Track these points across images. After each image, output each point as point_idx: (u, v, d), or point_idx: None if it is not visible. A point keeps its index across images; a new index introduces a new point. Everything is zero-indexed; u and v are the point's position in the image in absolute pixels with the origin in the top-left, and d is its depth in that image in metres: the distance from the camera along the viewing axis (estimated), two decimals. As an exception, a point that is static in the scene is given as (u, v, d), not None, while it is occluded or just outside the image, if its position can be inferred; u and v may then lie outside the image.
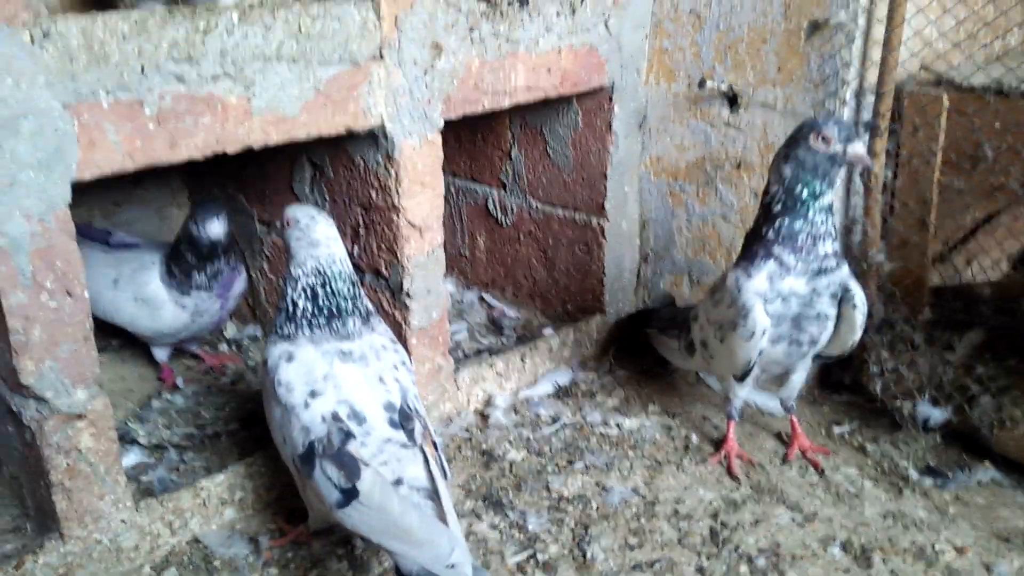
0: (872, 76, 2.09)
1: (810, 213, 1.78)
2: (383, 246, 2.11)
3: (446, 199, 2.99)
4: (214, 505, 1.89)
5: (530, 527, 1.88)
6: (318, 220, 1.72)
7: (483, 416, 2.30)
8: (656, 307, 2.56)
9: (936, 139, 2.08)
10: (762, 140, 2.31)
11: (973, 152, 2.05)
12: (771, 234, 1.80)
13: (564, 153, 2.63)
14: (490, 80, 2.12)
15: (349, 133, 1.91)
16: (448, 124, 2.06)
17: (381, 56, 1.88)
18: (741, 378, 1.97)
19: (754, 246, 1.83)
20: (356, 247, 2.20)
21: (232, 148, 1.72)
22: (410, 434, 1.58)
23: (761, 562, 1.78)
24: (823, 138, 1.74)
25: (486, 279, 3.05)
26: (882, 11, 2.05)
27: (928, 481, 2.02)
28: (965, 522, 1.90)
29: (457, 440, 2.20)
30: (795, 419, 2.12)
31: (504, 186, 2.85)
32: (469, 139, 2.92)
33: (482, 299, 3.02)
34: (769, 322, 1.81)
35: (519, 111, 2.69)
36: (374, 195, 2.08)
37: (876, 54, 2.07)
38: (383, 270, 2.14)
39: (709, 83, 2.30)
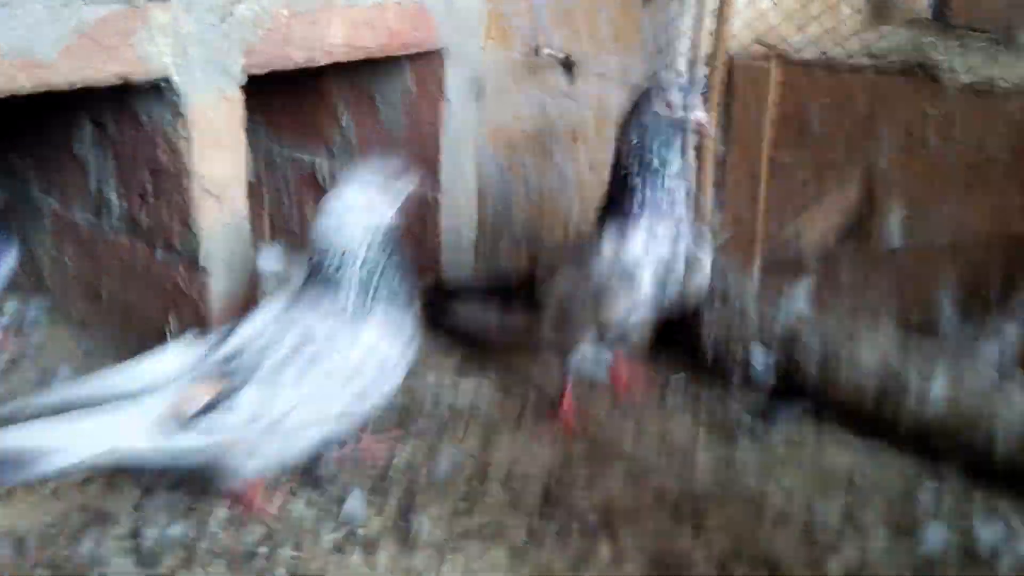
0: (706, 47, 2.03)
1: (664, 181, 1.78)
2: (174, 215, 1.86)
3: (271, 168, 2.77)
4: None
5: (351, 502, 1.71)
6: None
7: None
8: (462, 284, 2.42)
9: (765, 113, 2.05)
10: (598, 111, 2.22)
11: (803, 127, 2.03)
12: (636, 207, 1.79)
13: (397, 120, 2.45)
14: (302, 33, 1.91)
15: (125, 84, 1.65)
16: (271, 86, 1.84)
17: (165, -3, 1.63)
18: (601, 339, 1.95)
19: (620, 218, 1.81)
20: (145, 215, 1.94)
21: (-35, 93, 1.43)
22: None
23: (593, 520, 1.70)
24: (667, 103, 1.73)
25: (318, 255, 2.82)
26: (716, -21, 1.99)
27: (760, 426, 2.01)
28: (794, 464, 1.90)
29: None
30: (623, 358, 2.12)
31: (334, 154, 2.64)
32: (296, 104, 2.67)
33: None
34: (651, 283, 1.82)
35: (349, 74, 2.48)
36: (163, 157, 1.83)
37: (710, 24, 2.01)
38: (175, 241, 1.89)
39: (545, 51, 2.18)
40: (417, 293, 1.77)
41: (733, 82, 2.09)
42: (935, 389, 1.84)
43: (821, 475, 1.86)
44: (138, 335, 2.13)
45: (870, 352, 1.95)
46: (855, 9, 2.17)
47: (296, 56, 1.93)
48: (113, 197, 2.04)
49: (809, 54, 2.02)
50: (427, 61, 2.32)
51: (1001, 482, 1.82)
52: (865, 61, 1.92)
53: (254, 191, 2.83)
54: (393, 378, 1.67)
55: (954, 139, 1.82)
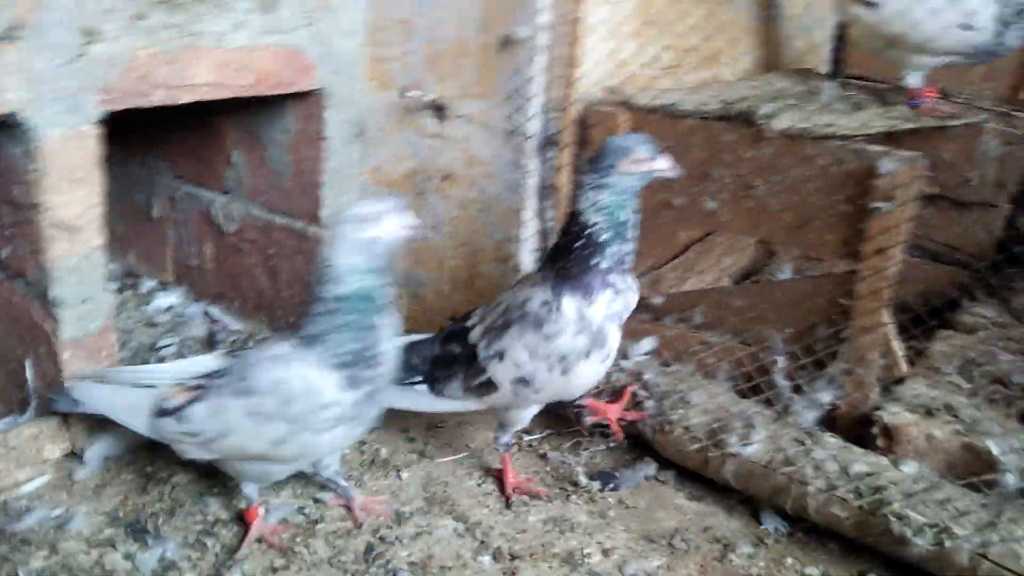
0: (557, 92, 2.12)
1: (629, 233, 1.76)
2: (28, 248, 1.91)
3: (173, 206, 2.83)
4: None
5: (168, 554, 1.74)
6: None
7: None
8: None
9: (617, 157, 2.12)
10: (465, 152, 2.30)
11: (649, 170, 2.10)
12: (604, 263, 1.74)
13: (282, 159, 2.53)
14: (164, 73, 1.99)
15: (-29, 119, 1.71)
16: (167, 121, 1.89)
17: (15, 37, 1.70)
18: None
19: (584, 276, 1.74)
20: (5, 248, 1.99)
21: None
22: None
23: (406, 575, 1.72)
24: (635, 160, 1.71)
25: (215, 291, 2.87)
26: (565, 30, 2.08)
27: (596, 485, 2.04)
28: (622, 524, 1.94)
29: (120, 463, 2.02)
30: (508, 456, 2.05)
31: (228, 192, 2.70)
32: (194, 143, 2.75)
33: (207, 313, 2.84)
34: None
35: (239, 115, 2.57)
36: (16, 191, 1.89)
37: (560, 71, 2.10)
38: (29, 275, 1.94)
39: (411, 93, 2.27)
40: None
41: (588, 126, 2.17)
42: (749, 449, 1.89)
43: (645, 535, 1.90)
44: (5, 374, 2.16)
45: (701, 413, 1.99)
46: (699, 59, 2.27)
47: (157, 95, 2.00)
48: (-19, 229, 2.08)
49: (656, 103, 2.11)
50: (307, 102, 2.41)
51: (816, 539, 1.87)
52: (701, 109, 2.01)
53: (158, 229, 2.91)
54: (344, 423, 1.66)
55: (774, 183, 1.90)
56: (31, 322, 2.00)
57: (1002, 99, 2.67)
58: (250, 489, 1.80)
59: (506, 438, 1.98)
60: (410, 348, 1.94)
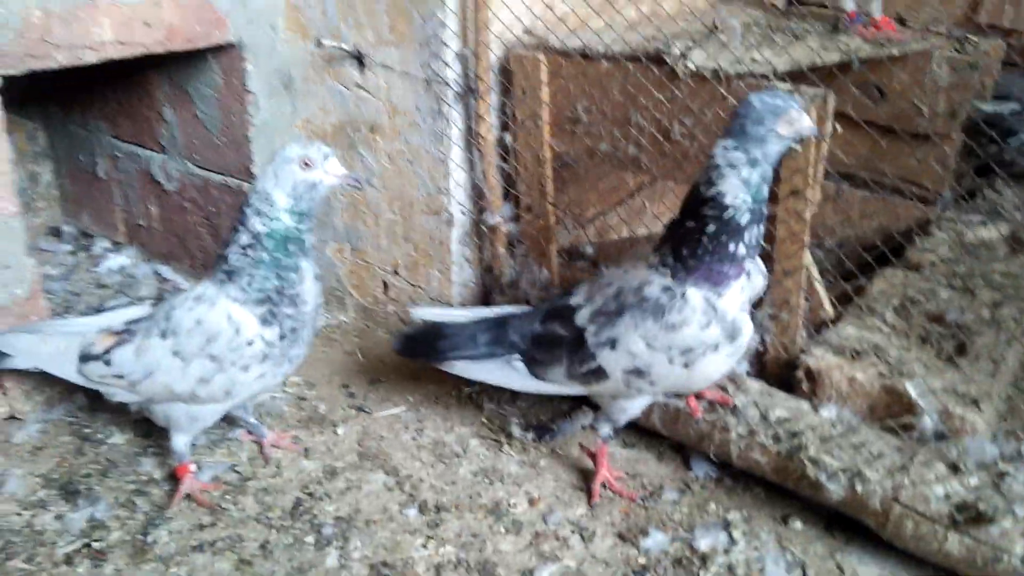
0: (472, 38, 2.04)
1: (764, 212, 1.54)
2: (-61, 218, 1.89)
3: (116, 166, 2.80)
4: None
5: (98, 514, 1.77)
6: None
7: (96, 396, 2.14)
8: (439, 331, 1.93)
9: (540, 102, 2.06)
10: (387, 102, 2.24)
11: (572, 115, 2.04)
12: (741, 249, 1.53)
13: (211, 115, 2.48)
14: (63, 33, 1.93)
15: None
16: (101, 81, 1.82)
17: None
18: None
19: (718, 265, 1.55)
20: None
21: None
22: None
23: (329, 530, 1.75)
24: (790, 121, 1.45)
25: (163, 250, 2.86)
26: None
27: (531, 436, 2.04)
28: (551, 474, 1.94)
29: (59, 425, 2.04)
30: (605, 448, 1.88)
31: (165, 150, 2.67)
32: (128, 100, 2.70)
33: (156, 273, 2.83)
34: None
35: (168, 71, 2.51)
36: (-79, 161, 1.85)
37: (473, 16, 2.02)
38: (-56, 245, 1.93)
39: (327, 43, 2.20)
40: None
41: (510, 72, 2.10)
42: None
43: (573, 484, 1.91)
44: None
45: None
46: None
47: (59, 56, 1.95)
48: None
49: (572, 44, 2.02)
50: (228, 55, 2.34)
51: (742, 484, 1.88)
52: (617, 50, 1.93)
53: (105, 189, 2.89)
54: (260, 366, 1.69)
55: (690, 126, 1.83)
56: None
57: (958, 23, 2.55)
58: (180, 444, 1.82)
59: (607, 430, 1.82)
60: (506, 322, 1.83)
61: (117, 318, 1.85)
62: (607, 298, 1.70)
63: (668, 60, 1.81)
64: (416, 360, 2.04)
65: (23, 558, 1.65)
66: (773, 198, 1.79)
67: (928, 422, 1.70)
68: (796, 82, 1.77)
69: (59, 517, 1.77)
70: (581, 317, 1.74)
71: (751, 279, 1.61)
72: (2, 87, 1.87)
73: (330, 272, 2.59)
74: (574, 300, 1.78)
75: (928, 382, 1.75)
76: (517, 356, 1.81)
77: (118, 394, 1.80)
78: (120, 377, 1.74)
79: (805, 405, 1.82)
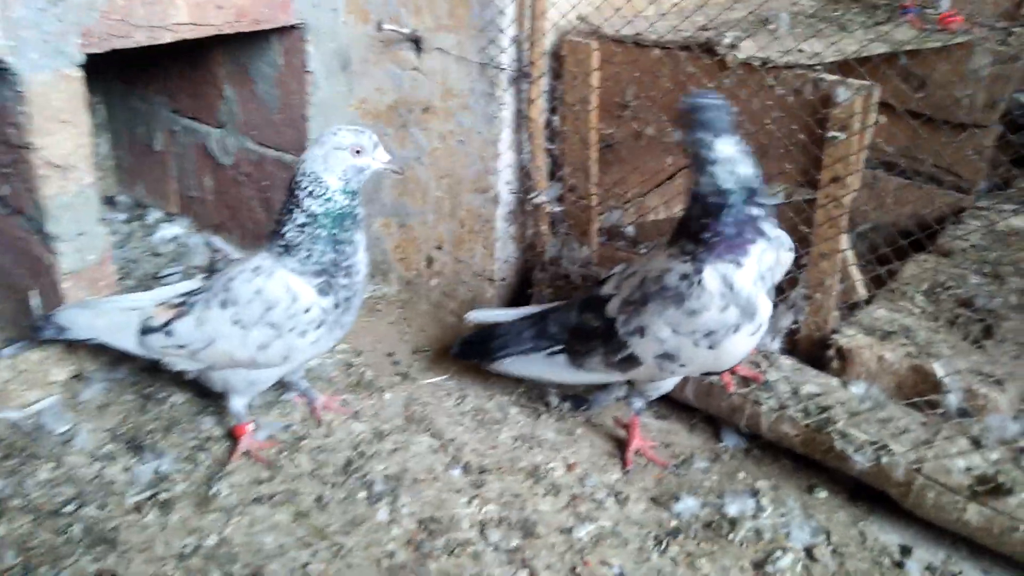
0: (527, 24, 2.13)
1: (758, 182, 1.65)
2: (24, 186, 2.03)
3: (174, 140, 2.93)
4: None
5: (163, 467, 1.90)
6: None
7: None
8: (491, 331, 2.06)
9: (590, 86, 2.15)
10: (443, 84, 2.34)
11: (620, 100, 2.13)
12: (756, 209, 1.62)
13: (271, 93, 2.59)
14: (143, 13, 2.05)
15: (-41, 66, 1.80)
16: (165, 57, 1.92)
17: (-7, -15, 1.78)
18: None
19: (735, 228, 1.61)
20: (7, 187, 2.11)
21: None
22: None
23: (379, 487, 1.87)
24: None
25: (216, 221, 2.99)
26: (533, -42, 2.08)
27: (567, 406, 2.15)
28: (587, 441, 2.05)
29: (123, 384, 2.18)
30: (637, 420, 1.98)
31: (223, 125, 2.79)
32: (189, 77, 2.82)
33: (208, 243, 2.97)
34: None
35: (230, 50, 2.62)
36: (11, 133, 1.99)
37: (529, 2, 2.11)
38: (29, 211, 2.07)
39: (387, 26, 2.30)
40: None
41: (562, 58, 2.19)
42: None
43: (608, 451, 2.01)
44: (15, 304, 2.31)
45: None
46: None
47: (138, 36, 2.06)
48: (-14, 169, 2.21)
49: (626, 32, 2.11)
50: (290, 36, 2.45)
51: (770, 455, 1.97)
52: (668, 39, 2.01)
53: (160, 162, 3.02)
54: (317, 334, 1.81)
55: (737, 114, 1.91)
56: (33, 255, 2.14)
57: (1004, 16, 2.59)
58: (239, 405, 1.95)
59: (640, 403, 1.94)
60: (547, 316, 1.95)
61: (172, 292, 1.95)
62: (633, 288, 1.79)
63: (718, 50, 1.89)
64: (473, 361, 2.13)
65: (95, 505, 1.78)
66: (814, 183, 1.88)
67: (953, 400, 1.78)
68: (842, 72, 1.84)
69: (127, 469, 1.90)
70: (611, 307, 1.84)
71: (776, 250, 1.66)
72: (84, 64, 1.99)
73: (376, 246, 2.70)
74: (605, 290, 1.88)
75: (954, 362, 1.83)
76: (558, 348, 1.92)
77: (178, 363, 1.90)
78: (182, 347, 1.85)
79: (835, 382, 1.91)
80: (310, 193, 1.74)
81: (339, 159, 1.72)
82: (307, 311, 1.77)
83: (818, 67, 1.86)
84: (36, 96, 1.92)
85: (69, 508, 1.77)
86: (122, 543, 1.69)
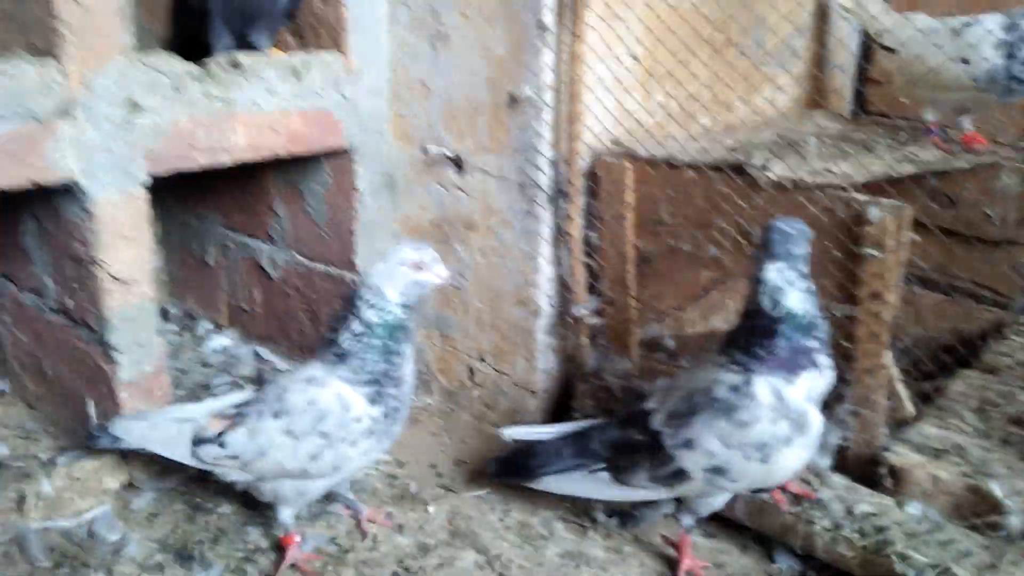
0: (565, 145, 2.23)
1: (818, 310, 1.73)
2: (89, 299, 2.12)
3: (225, 254, 3.06)
4: None
5: (208, 581, 1.88)
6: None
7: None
8: (529, 449, 2.06)
9: (625, 204, 2.22)
10: (483, 202, 2.43)
11: (656, 217, 2.19)
12: (812, 341, 1.67)
13: (320, 210, 2.71)
14: (204, 138, 2.19)
15: (37, 187, 1.93)
16: (218, 177, 2.05)
17: (69, 113, 1.93)
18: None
19: (790, 353, 1.67)
20: (70, 299, 2.21)
21: None
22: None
23: (426, 606, 1.82)
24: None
25: (264, 333, 3.07)
26: (566, 89, 2.20)
27: (614, 522, 2.11)
28: (636, 560, 2.00)
29: (172, 494, 2.19)
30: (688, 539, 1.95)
31: (273, 241, 2.91)
32: (242, 195, 2.97)
33: (256, 353, 3.03)
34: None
35: (282, 170, 2.77)
36: (78, 248, 2.10)
37: (566, 126, 2.22)
38: (91, 323, 2.15)
39: (431, 148, 2.42)
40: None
41: (597, 176, 2.28)
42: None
43: (659, 572, 1.97)
44: (72, 411, 2.38)
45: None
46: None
47: (199, 158, 2.20)
48: (49, 282, 2.32)
49: (654, 153, 2.20)
50: (340, 158, 2.59)
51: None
52: (698, 160, 2.09)
53: (212, 275, 3.14)
54: (365, 445, 1.84)
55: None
56: (93, 365, 2.20)
57: (1024, 135, 2.66)
58: (286, 516, 1.95)
59: (689, 520, 1.90)
60: (587, 433, 1.96)
61: (223, 403, 1.99)
62: (679, 400, 1.80)
63: (750, 170, 1.96)
64: (511, 481, 2.12)
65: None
66: (854, 300, 1.89)
67: (1015, 521, 1.72)
68: (872, 192, 1.89)
69: (173, 581, 1.89)
70: (656, 421, 1.83)
71: (822, 373, 1.70)
72: (149, 185, 2.12)
73: (418, 357, 2.74)
74: (648, 405, 1.88)
75: (1013, 483, 1.77)
76: (601, 465, 1.90)
77: (230, 474, 1.92)
78: (234, 458, 1.87)
79: (889, 501, 1.85)
80: (370, 304, 1.80)
81: (401, 273, 1.80)
82: (358, 420, 1.80)
83: (848, 188, 1.91)
84: (104, 214, 2.04)
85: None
86: (170, 659, 1.65)
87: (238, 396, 2.02)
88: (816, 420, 1.67)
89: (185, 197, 3.19)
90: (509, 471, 2.08)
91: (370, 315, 1.80)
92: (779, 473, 1.70)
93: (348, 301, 1.86)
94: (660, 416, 1.82)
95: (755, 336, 1.68)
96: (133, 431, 1.98)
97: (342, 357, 1.82)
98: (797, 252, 1.69)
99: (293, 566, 1.92)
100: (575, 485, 1.95)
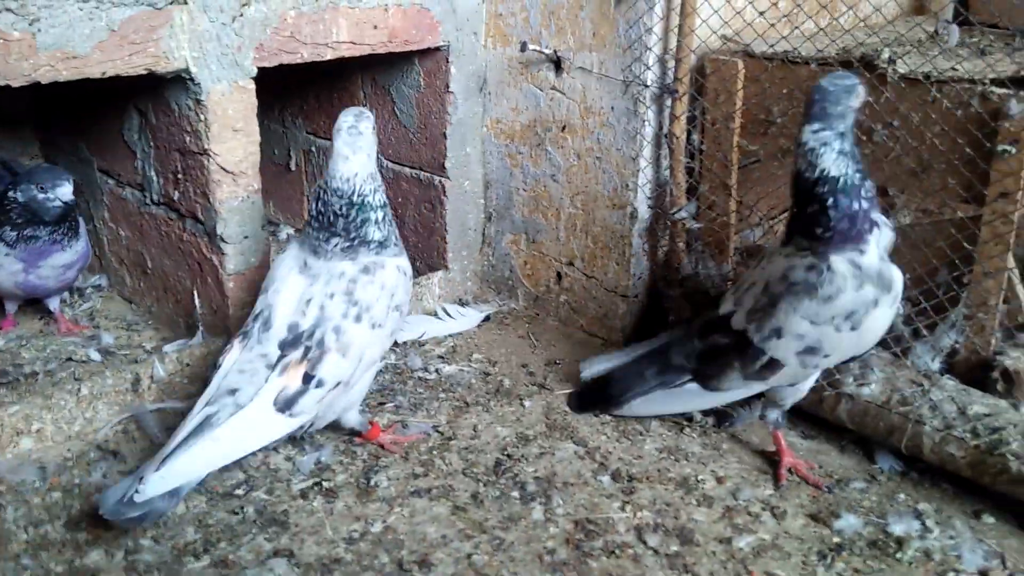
0: (674, 42, 2.18)
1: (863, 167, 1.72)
2: (198, 191, 2.15)
3: (309, 158, 3.07)
4: (8, 435, 1.92)
5: (323, 459, 1.95)
6: (341, 132, 1.77)
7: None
8: (607, 377, 2.12)
9: (734, 104, 2.17)
10: (582, 103, 2.39)
11: (766, 117, 2.14)
12: (864, 203, 1.67)
13: (409, 113, 2.69)
14: (308, 31, 2.17)
15: (151, 74, 1.94)
16: (303, 81, 2.06)
17: (184, 1, 1.92)
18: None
19: (850, 225, 1.67)
20: (176, 192, 2.25)
21: (17, 82, 1.75)
22: (279, 359, 1.72)
23: (531, 488, 1.88)
24: (859, 95, 1.71)
25: (346, 238, 3.09)
26: (682, -21, 2.13)
27: (710, 421, 2.13)
28: (734, 456, 2.02)
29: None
30: (779, 433, 1.95)
31: (359, 145, 2.89)
32: (327, 98, 2.96)
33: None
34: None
35: (370, 71, 2.75)
36: (188, 140, 2.12)
37: (677, 22, 2.15)
38: (199, 215, 2.19)
39: (531, 47, 2.37)
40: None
41: (705, 75, 2.22)
42: (866, 390, 1.92)
43: (758, 467, 1.98)
44: (173, 303, 2.44)
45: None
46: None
47: (303, 52, 2.19)
48: (154, 176, 2.35)
49: (772, 50, 2.13)
50: (433, 58, 2.56)
51: (929, 479, 1.91)
52: (821, 55, 2.02)
53: (293, 180, 3.16)
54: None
55: (895, 128, 1.90)
56: (200, 256, 2.25)
57: None
58: (358, 415, 1.97)
59: (775, 415, 1.92)
60: (665, 351, 1.98)
61: (269, 351, 1.75)
62: (756, 296, 1.82)
63: (879, 64, 1.89)
64: (595, 412, 2.15)
65: (264, 491, 1.85)
66: (979, 199, 1.84)
67: None
68: (1002, 87, 1.81)
69: (289, 459, 1.96)
70: (737, 321, 1.85)
71: (882, 230, 1.70)
72: (256, 77, 2.12)
73: (503, 262, 2.75)
74: (723, 309, 1.90)
75: None
76: (686, 378, 1.94)
77: (327, 415, 1.83)
78: (336, 386, 1.75)
79: (1004, 403, 1.84)
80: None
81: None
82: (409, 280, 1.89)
83: (978, 81, 1.84)
84: (214, 105, 2.05)
85: (240, 491, 1.83)
86: (293, 525, 1.73)
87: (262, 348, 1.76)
88: (896, 275, 1.69)
89: (267, 103, 3.19)
90: (591, 403, 2.13)
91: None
92: (870, 336, 1.73)
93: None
94: (740, 316, 1.84)
95: (810, 216, 1.69)
96: (179, 469, 1.64)
97: (382, 243, 1.84)
98: (835, 111, 1.65)
99: (381, 446, 1.99)
100: (664, 404, 2.01)
